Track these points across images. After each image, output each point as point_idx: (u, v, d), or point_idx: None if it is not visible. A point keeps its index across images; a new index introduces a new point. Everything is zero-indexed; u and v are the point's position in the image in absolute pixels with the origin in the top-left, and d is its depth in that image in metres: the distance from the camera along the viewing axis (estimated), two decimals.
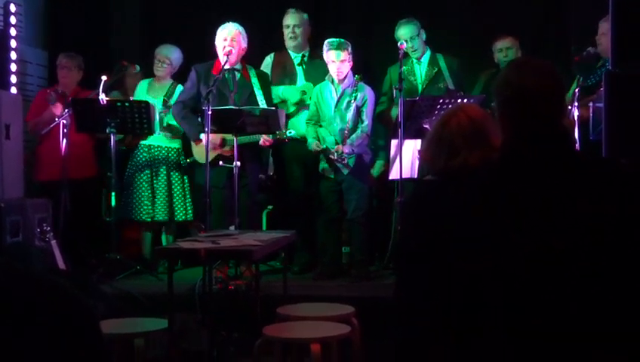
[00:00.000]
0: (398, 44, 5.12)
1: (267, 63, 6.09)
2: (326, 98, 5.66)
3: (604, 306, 1.71)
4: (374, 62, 6.42)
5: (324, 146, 5.52)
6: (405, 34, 5.74)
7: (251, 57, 5.80)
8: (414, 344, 1.87)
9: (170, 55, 6.10)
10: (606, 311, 1.71)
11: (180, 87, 5.99)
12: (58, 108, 5.77)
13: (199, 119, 5.50)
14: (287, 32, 6.02)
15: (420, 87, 5.77)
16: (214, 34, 5.59)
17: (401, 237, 2.00)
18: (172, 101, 5.91)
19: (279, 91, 5.95)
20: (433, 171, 2.43)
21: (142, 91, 6.09)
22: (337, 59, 5.52)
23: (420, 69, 5.85)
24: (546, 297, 1.71)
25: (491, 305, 1.73)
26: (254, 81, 5.61)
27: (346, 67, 5.56)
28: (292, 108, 5.93)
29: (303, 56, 6.06)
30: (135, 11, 7.23)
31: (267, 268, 5.57)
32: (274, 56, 6.11)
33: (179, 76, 6.16)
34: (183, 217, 6.05)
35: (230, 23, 5.59)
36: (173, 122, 5.87)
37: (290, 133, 5.43)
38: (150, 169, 6.01)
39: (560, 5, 6.57)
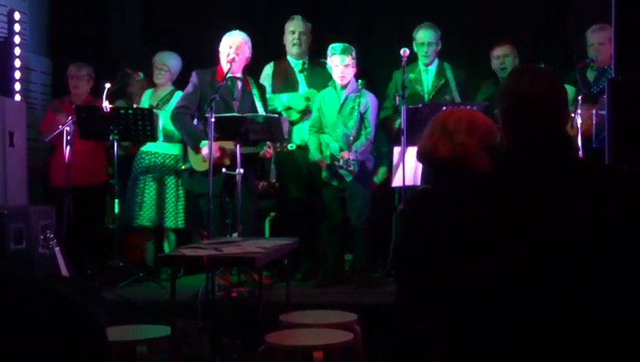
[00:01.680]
0: (401, 52, 5.10)
1: (267, 73, 6.09)
2: (329, 104, 5.67)
3: (603, 306, 1.71)
4: (375, 67, 6.42)
5: (328, 158, 5.52)
6: (425, 37, 5.75)
7: (250, 64, 5.79)
8: (414, 347, 1.87)
9: (167, 62, 6.13)
10: (606, 311, 1.71)
11: (178, 93, 6.01)
12: (62, 118, 5.81)
13: (201, 126, 5.50)
14: (291, 38, 6.03)
15: (426, 97, 5.76)
16: (215, 40, 5.60)
17: (399, 241, 2.00)
18: (169, 106, 5.93)
19: (284, 99, 5.96)
20: (422, 161, 2.49)
21: (146, 100, 6.13)
22: (341, 64, 5.53)
23: (427, 78, 5.84)
24: (545, 298, 1.71)
25: (490, 306, 1.73)
26: (254, 91, 5.62)
27: (350, 72, 5.57)
28: (296, 116, 5.93)
29: (304, 63, 6.07)
30: (138, 19, 7.26)
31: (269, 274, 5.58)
32: (274, 65, 6.11)
33: (180, 83, 6.18)
34: (173, 224, 6.05)
35: (236, 31, 5.59)
36: (170, 127, 5.84)
37: (291, 146, 5.43)
38: (152, 175, 6.02)
39: (559, 10, 6.57)
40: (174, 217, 6.05)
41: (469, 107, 4.97)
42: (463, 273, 1.75)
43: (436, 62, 5.86)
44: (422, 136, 2.49)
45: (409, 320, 1.87)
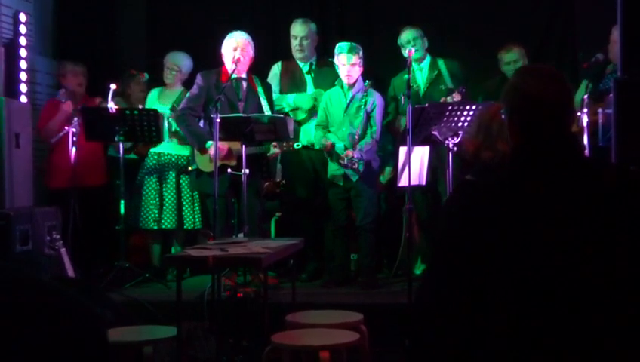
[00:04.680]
0: (407, 51, 5.10)
1: (275, 73, 6.08)
2: (335, 103, 5.67)
3: (611, 304, 1.70)
4: (378, 69, 6.41)
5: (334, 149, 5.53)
6: (409, 35, 5.77)
7: (255, 64, 5.77)
8: (437, 347, 1.84)
9: (178, 62, 6.13)
10: (614, 309, 1.70)
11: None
12: (69, 105, 5.81)
13: (206, 127, 5.50)
14: (294, 44, 6.01)
15: (421, 90, 5.79)
16: (220, 41, 5.60)
17: (438, 239, 1.97)
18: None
19: (290, 99, 5.95)
20: (465, 156, 2.50)
21: (152, 100, 6.13)
22: (348, 63, 5.52)
23: (421, 73, 5.86)
24: (554, 302, 1.71)
25: (501, 311, 1.72)
26: (260, 91, 5.61)
27: (357, 71, 5.57)
28: (303, 115, 5.93)
29: (311, 64, 6.06)
30: (142, 20, 7.27)
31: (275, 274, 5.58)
32: (281, 65, 6.10)
33: (190, 83, 6.18)
34: (192, 225, 6.06)
35: (239, 31, 5.58)
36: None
37: (297, 145, 5.43)
38: (159, 176, 6.03)
39: (567, 10, 6.56)
40: (192, 218, 6.06)
41: (474, 107, 4.98)
42: (476, 276, 1.75)
43: (428, 58, 5.88)
44: (468, 132, 2.51)
45: (434, 321, 1.83)
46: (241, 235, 5.10)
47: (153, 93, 6.18)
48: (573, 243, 1.73)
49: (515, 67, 5.84)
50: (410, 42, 5.75)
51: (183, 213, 6.04)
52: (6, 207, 5.02)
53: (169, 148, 6.06)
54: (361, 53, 5.57)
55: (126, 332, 3.63)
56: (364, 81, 5.61)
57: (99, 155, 6.19)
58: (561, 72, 2.00)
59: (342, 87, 5.65)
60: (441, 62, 5.85)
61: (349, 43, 5.58)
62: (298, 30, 6.00)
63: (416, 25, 5.85)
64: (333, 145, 5.53)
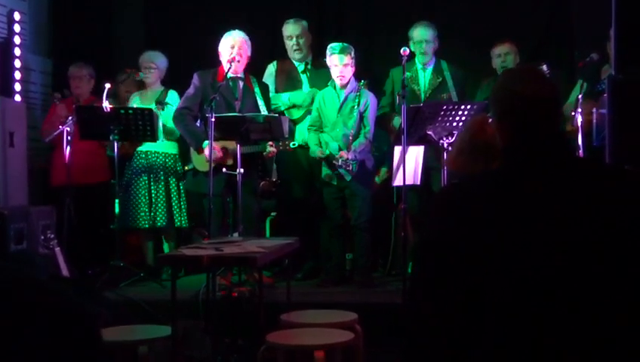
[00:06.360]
0: (401, 51, 5.07)
1: (270, 72, 6.08)
2: (329, 103, 5.66)
3: (614, 310, 1.71)
4: (375, 67, 6.42)
5: (327, 152, 5.52)
6: (422, 35, 5.74)
7: (254, 64, 5.77)
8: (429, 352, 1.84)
9: (154, 60, 6.11)
10: (615, 315, 1.71)
11: (172, 92, 6.01)
12: (62, 109, 5.83)
13: (203, 127, 5.50)
14: (290, 44, 6.00)
15: (422, 96, 5.76)
16: (218, 40, 5.59)
17: (431, 238, 1.95)
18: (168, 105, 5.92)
19: (285, 97, 5.95)
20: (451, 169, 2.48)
21: (136, 102, 6.09)
22: (340, 63, 5.52)
23: (424, 76, 5.84)
24: (554, 302, 1.71)
25: (500, 311, 1.73)
26: (257, 90, 5.61)
27: (349, 71, 5.56)
28: (300, 113, 5.93)
29: (307, 63, 6.06)
30: (138, 18, 7.26)
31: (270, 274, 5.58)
32: (277, 64, 6.10)
33: (169, 82, 6.19)
34: (180, 223, 6.05)
35: (235, 30, 5.58)
36: (170, 124, 5.83)
37: (293, 145, 5.43)
38: (148, 175, 6.01)
39: (565, 10, 6.58)
40: (180, 216, 6.06)
41: (468, 106, 4.99)
42: (466, 280, 1.75)
43: (433, 60, 5.87)
44: (454, 146, 2.48)
45: (425, 326, 1.83)
46: (236, 235, 5.10)
47: (135, 99, 6.14)
48: (573, 243, 1.73)
49: (505, 60, 5.88)
50: (422, 42, 5.73)
51: (173, 211, 6.04)
52: (0, 206, 5.01)
53: (157, 146, 6.03)
54: (353, 53, 5.56)
55: (121, 332, 3.63)
56: (358, 81, 5.61)
57: (98, 153, 6.18)
58: (543, 71, 2.01)
59: (335, 87, 5.65)
60: (445, 67, 5.83)
61: (341, 43, 5.57)
62: (292, 30, 5.99)
63: (431, 24, 5.79)
64: (327, 157, 5.52)
